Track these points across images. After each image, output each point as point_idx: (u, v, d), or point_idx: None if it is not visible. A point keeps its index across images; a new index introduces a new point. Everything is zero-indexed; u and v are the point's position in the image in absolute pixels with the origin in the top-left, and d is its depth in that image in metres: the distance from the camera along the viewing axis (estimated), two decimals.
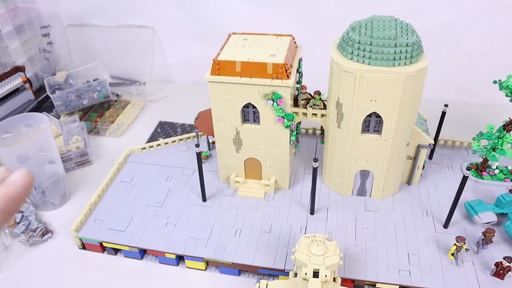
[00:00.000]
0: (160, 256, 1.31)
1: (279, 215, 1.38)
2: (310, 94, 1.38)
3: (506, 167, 1.51)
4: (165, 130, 1.91)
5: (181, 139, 1.73)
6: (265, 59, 1.24)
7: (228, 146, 1.41)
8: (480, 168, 1.48)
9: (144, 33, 2.18)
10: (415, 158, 1.41)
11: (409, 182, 1.47)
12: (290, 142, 1.36)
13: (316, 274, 1.00)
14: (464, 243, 1.18)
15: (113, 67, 2.21)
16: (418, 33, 1.20)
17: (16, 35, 2.07)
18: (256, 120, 1.35)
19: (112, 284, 1.27)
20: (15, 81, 2.01)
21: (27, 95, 2.08)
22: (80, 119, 1.91)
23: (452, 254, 1.20)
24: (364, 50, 1.15)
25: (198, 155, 1.32)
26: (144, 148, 1.70)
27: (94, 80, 2.00)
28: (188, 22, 2.09)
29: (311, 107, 1.35)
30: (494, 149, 1.39)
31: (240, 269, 1.27)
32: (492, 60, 1.85)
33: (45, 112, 1.74)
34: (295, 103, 1.38)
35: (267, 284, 1.09)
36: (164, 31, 2.18)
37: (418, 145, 1.38)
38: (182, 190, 1.49)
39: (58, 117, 1.90)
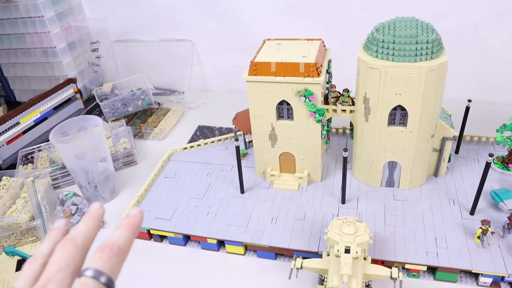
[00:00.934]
0: (202, 242, 1.42)
1: (312, 205, 1.47)
2: (339, 92, 1.49)
3: None
4: (204, 133, 2.05)
5: (220, 140, 1.86)
6: (297, 60, 1.36)
7: (264, 142, 1.53)
8: (506, 160, 1.54)
9: (183, 46, 2.36)
10: (440, 151, 1.48)
11: (436, 174, 1.53)
12: (321, 136, 1.47)
13: (347, 251, 1.08)
14: (490, 226, 1.23)
15: (154, 78, 2.38)
16: (443, 35, 1.29)
17: (68, 51, 2.28)
18: (290, 116, 1.46)
19: (158, 269, 1.38)
20: (68, 92, 2.22)
21: (78, 104, 2.28)
22: (126, 124, 2.08)
23: (478, 237, 1.25)
24: (388, 48, 1.26)
25: (237, 148, 1.44)
26: (186, 148, 1.84)
27: (138, 89, 2.18)
28: (224, 34, 2.25)
29: (340, 103, 1.46)
30: None
31: (277, 253, 1.36)
32: None
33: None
34: (326, 101, 1.48)
35: (302, 261, 1.19)
36: (201, 43, 2.35)
37: (443, 138, 1.45)
38: (222, 184, 1.61)
39: (106, 123, 2.08)
